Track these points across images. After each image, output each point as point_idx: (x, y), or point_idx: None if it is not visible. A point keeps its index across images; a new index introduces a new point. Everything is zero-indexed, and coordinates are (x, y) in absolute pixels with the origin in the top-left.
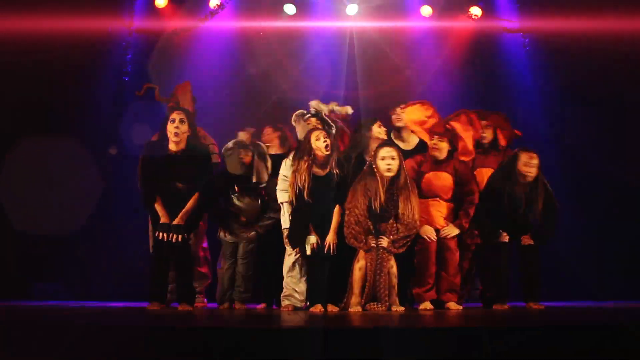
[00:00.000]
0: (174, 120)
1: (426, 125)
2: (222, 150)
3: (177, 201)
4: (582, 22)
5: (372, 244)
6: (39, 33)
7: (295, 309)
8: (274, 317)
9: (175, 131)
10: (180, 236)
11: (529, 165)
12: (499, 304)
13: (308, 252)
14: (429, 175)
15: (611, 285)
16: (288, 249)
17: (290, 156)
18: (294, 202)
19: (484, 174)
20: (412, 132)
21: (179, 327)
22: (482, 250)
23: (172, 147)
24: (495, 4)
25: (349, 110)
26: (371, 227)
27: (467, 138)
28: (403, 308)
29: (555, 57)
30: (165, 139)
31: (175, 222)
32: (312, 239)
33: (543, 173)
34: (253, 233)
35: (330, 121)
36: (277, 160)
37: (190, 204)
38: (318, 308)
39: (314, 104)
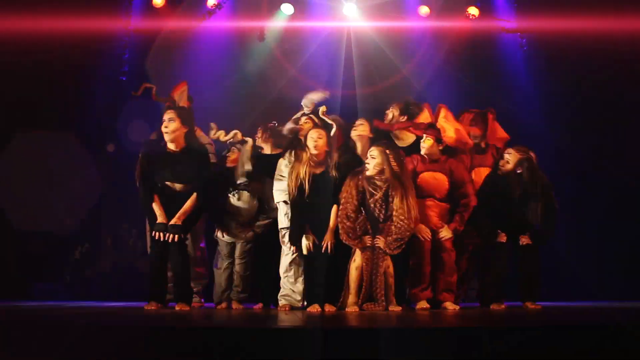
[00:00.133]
0: (164, 120)
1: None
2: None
3: (175, 201)
4: (579, 22)
5: (368, 244)
6: (37, 32)
7: (293, 308)
8: (271, 317)
9: (165, 130)
10: (176, 236)
11: (504, 159)
12: (496, 303)
13: (304, 251)
14: (424, 175)
15: (609, 285)
16: (285, 248)
17: (286, 156)
18: (290, 199)
19: (482, 174)
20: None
21: (176, 327)
22: (480, 250)
23: (170, 146)
24: (492, 4)
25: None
26: (368, 226)
27: (450, 129)
28: (400, 308)
29: (552, 57)
30: (162, 138)
31: (172, 222)
32: (308, 238)
33: (541, 171)
34: (250, 233)
35: (328, 120)
36: (272, 160)
37: (188, 204)
38: (315, 308)
39: (306, 101)
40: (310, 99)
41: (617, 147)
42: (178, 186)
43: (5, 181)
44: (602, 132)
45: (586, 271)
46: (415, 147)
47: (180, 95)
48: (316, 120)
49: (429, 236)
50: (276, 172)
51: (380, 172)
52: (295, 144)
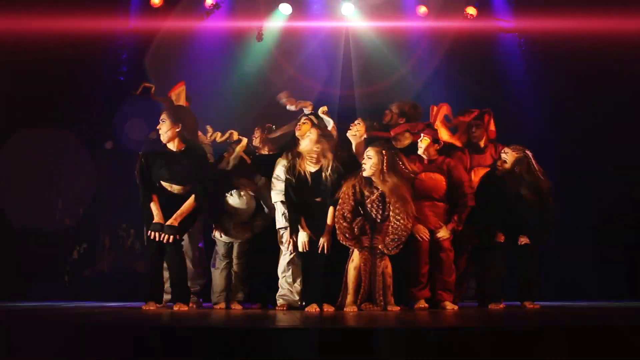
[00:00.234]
0: (158, 122)
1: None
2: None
3: (173, 202)
4: (577, 22)
5: (366, 244)
6: (36, 32)
7: (291, 308)
8: (269, 317)
9: (159, 132)
10: (171, 237)
11: (501, 158)
12: (495, 303)
13: (300, 248)
14: (422, 176)
15: (607, 285)
16: (283, 248)
17: (284, 156)
18: (286, 194)
19: (481, 173)
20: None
21: (174, 327)
22: (478, 250)
23: (169, 146)
24: (491, 4)
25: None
26: (366, 227)
27: (440, 127)
28: (398, 308)
29: (550, 57)
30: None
31: (168, 222)
32: (304, 235)
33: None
34: (248, 233)
35: (328, 119)
36: (269, 161)
37: (185, 206)
38: (313, 308)
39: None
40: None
41: (616, 147)
42: (176, 188)
43: (3, 180)
44: (600, 132)
45: (584, 271)
46: (412, 147)
47: (178, 95)
48: (315, 120)
49: (427, 236)
50: (274, 173)
51: (377, 172)
52: (293, 144)
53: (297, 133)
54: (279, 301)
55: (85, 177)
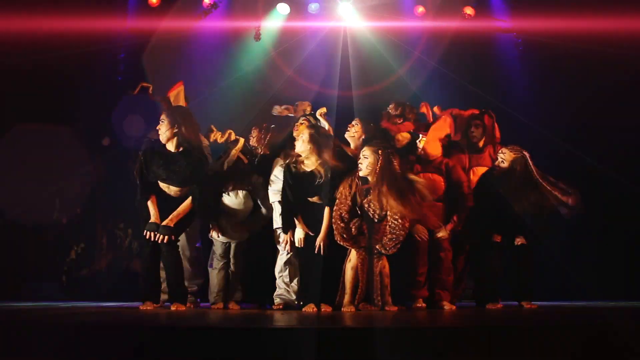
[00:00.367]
0: (155, 121)
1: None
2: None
3: (170, 202)
4: (575, 23)
5: (363, 244)
6: (34, 31)
7: (288, 308)
8: (267, 317)
9: (158, 132)
10: (166, 238)
11: (499, 159)
12: (492, 303)
13: (296, 243)
14: (421, 176)
15: (605, 285)
16: (280, 248)
17: (282, 156)
18: (283, 194)
19: (479, 173)
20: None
21: (171, 327)
22: (476, 250)
23: (169, 146)
24: (489, 4)
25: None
26: (364, 227)
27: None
28: (396, 308)
29: (548, 57)
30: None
31: (164, 223)
32: (300, 232)
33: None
34: (245, 233)
35: (325, 123)
36: (266, 160)
37: (182, 207)
38: (311, 308)
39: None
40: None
41: (614, 147)
42: (173, 189)
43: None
44: (598, 131)
45: (582, 271)
46: (410, 147)
47: (177, 96)
48: (312, 121)
49: (426, 236)
50: (272, 173)
51: (373, 171)
52: (290, 144)
53: (295, 133)
54: (276, 301)
55: (83, 177)
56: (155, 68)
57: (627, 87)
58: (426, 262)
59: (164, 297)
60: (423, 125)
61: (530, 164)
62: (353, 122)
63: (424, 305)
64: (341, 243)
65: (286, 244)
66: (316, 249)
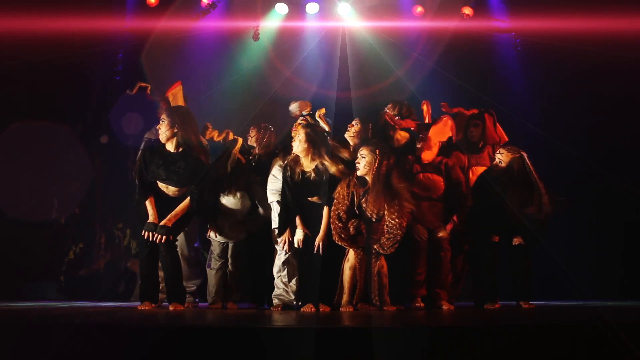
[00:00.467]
0: (153, 120)
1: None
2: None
3: (169, 202)
4: (573, 23)
5: (361, 244)
6: (32, 31)
7: (286, 308)
8: (265, 317)
9: (158, 132)
10: (164, 237)
11: (496, 159)
12: (490, 303)
13: (295, 244)
14: (420, 176)
15: (602, 285)
16: (278, 248)
17: (280, 156)
18: (282, 194)
19: (479, 173)
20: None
21: (170, 327)
22: (474, 250)
23: (168, 146)
24: (487, 5)
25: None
26: (362, 226)
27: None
28: (395, 307)
29: (546, 57)
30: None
31: (162, 223)
32: (300, 233)
33: (534, 172)
34: (243, 233)
35: (323, 123)
36: (264, 160)
37: (180, 207)
38: (309, 307)
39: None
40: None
41: (611, 148)
42: (172, 189)
43: None
44: (596, 132)
45: (580, 271)
46: (409, 147)
47: (175, 95)
48: (310, 121)
49: (426, 236)
50: (270, 173)
51: (371, 171)
52: (288, 143)
53: (293, 133)
54: (275, 301)
55: (81, 177)
56: (154, 68)
57: (626, 88)
58: (425, 261)
59: (162, 297)
60: (423, 126)
61: (528, 164)
62: (353, 122)
63: (422, 304)
64: (339, 243)
65: (284, 243)
66: (315, 249)
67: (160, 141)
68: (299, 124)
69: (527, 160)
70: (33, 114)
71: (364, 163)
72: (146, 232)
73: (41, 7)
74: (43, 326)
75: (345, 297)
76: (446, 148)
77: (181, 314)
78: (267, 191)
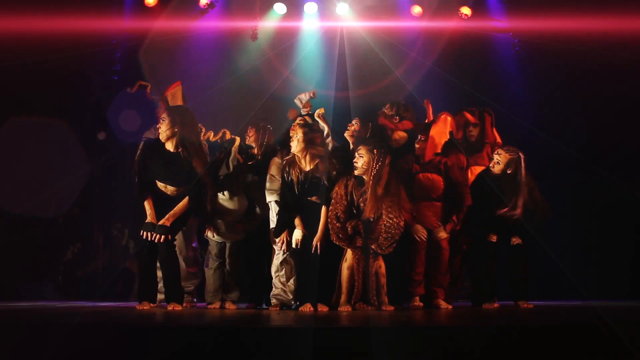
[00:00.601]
0: (151, 118)
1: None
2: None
3: (167, 201)
4: (571, 23)
5: (359, 244)
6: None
7: (284, 308)
8: (263, 317)
9: (158, 130)
10: (162, 237)
11: (494, 159)
12: (488, 303)
13: (293, 244)
14: (419, 176)
15: (600, 284)
16: (276, 248)
17: (279, 155)
18: (280, 196)
19: (478, 173)
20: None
21: (168, 327)
22: (472, 250)
23: (168, 146)
24: (485, 5)
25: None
26: (360, 226)
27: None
28: (393, 307)
29: (544, 58)
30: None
31: (160, 222)
32: (299, 233)
33: (532, 172)
34: (240, 233)
35: (322, 123)
36: (262, 160)
37: (178, 207)
38: (307, 307)
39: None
40: (300, 99)
41: (609, 148)
42: (170, 189)
43: None
44: (594, 132)
45: (578, 271)
46: (408, 147)
47: (174, 95)
48: (308, 120)
49: (425, 236)
50: (268, 172)
51: (368, 171)
52: (287, 143)
53: (291, 133)
54: (273, 301)
55: (79, 177)
56: (152, 68)
57: (625, 88)
58: (424, 261)
59: (160, 297)
60: (422, 125)
61: (522, 166)
62: (353, 122)
63: (420, 304)
64: (337, 243)
65: (282, 243)
66: (313, 249)
67: (159, 140)
68: (298, 123)
69: (523, 162)
70: (31, 114)
71: (361, 163)
72: (144, 232)
73: (39, 7)
74: (41, 326)
75: (343, 297)
76: (445, 147)
77: (179, 314)
78: (265, 191)
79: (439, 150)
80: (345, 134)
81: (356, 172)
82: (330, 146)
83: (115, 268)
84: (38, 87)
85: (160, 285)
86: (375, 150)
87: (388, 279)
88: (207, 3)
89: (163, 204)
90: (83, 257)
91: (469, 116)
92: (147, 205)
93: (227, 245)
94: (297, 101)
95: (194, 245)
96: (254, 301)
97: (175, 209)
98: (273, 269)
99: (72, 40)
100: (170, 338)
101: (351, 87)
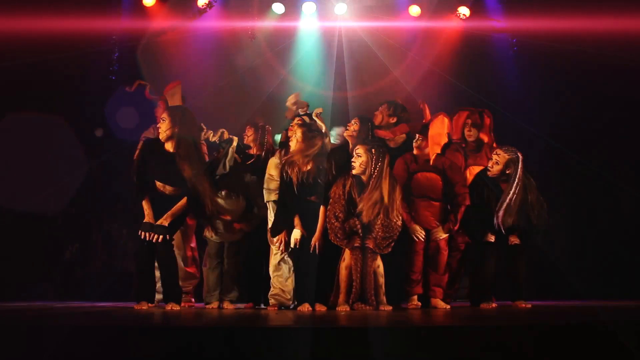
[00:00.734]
0: (150, 117)
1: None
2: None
3: (166, 201)
4: (569, 23)
5: (357, 244)
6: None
7: (283, 308)
8: (261, 317)
9: (158, 130)
10: (160, 237)
11: (493, 159)
12: (486, 303)
13: (292, 244)
14: (418, 176)
15: (599, 284)
16: (274, 248)
17: (277, 155)
18: (279, 196)
19: (476, 172)
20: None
21: (166, 327)
22: (470, 250)
23: (167, 146)
24: (483, 5)
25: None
26: (358, 226)
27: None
28: (391, 307)
29: (542, 58)
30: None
31: (158, 222)
32: (297, 233)
33: (530, 172)
34: (239, 232)
35: (320, 122)
36: (260, 159)
37: (177, 207)
38: (305, 307)
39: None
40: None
41: (607, 148)
42: (168, 189)
43: None
44: (592, 132)
45: (577, 270)
46: (406, 147)
47: (173, 94)
48: (306, 120)
49: (423, 236)
50: (266, 172)
51: (366, 170)
52: (285, 143)
53: (290, 133)
54: (271, 301)
55: (77, 177)
56: (150, 68)
57: (623, 88)
58: (422, 261)
59: (158, 296)
60: (419, 126)
61: (520, 167)
62: (352, 121)
63: (418, 303)
64: (335, 242)
65: (280, 243)
66: (311, 249)
67: (159, 140)
68: (296, 123)
69: (521, 163)
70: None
71: (359, 162)
72: (142, 232)
73: (37, 6)
74: (39, 327)
75: (341, 297)
76: (444, 147)
77: (177, 314)
78: (264, 190)
79: (439, 151)
80: (345, 134)
81: (354, 172)
82: (328, 146)
83: (113, 268)
84: (36, 87)
85: (159, 285)
86: (373, 150)
87: (386, 278)
88: (205, 3)
89: (161, 203)
90: (81, 257)
91: (467, 116)
92: (146, 205)
93: (226, 245)
94: (289, 105)
95: (192, 245)
96: (252, 301)
97: (173, 208)
98: (271, 268)
99: (70, 41)
100: (168, 338)
101: (349, 88)
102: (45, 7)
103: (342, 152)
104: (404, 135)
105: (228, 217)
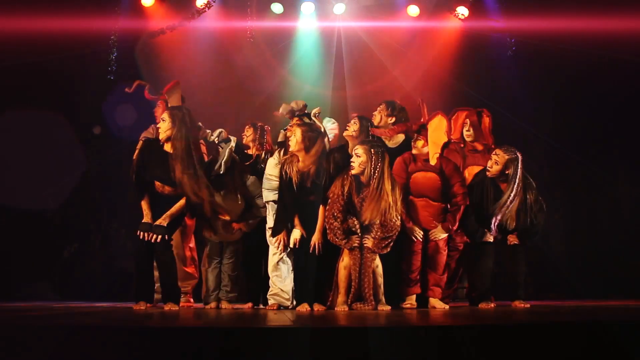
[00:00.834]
0: (149, 117)
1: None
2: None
3: (164, 201)
4: (568, 23)
5: (356, 244)
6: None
7: (281, 308)
8: (260, 317)
9: (159, 130)
10: (159, 237)
11: (492, 159)
12: (485, 302)
13: (291, 244)
14: (417, 176)
15: (597, 284)
16: (273, 248)
17: (276, 155)
18: (279, 194)
19: (475, 172)
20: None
21: (165, 327)
22: (468, 250)
23: (166, 146)
24: (482, 5)
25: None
26: (357, 226)
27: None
28: (389, 307)
29: (541, 58)
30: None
31: (157, 222)
32: (297, 233)
33: (529, 172)
34: (238, 232)
35: (318, 122)
36: (259, 159)
37: (175, 207)
38: (304, 307)
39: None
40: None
41: (606, 148)
42: (167, 189)
43: None
44: (591, 132)
45: (576, 270)
46: (404, 147)
47: (172, 94)
48: (305, 120)
49: (421, 236)
50: (265, 172)
51: (365, 170)
52: (285, 143)
53: (289, 133)
54: (270, 301)
55: (76, 177)
56: (149, 68)
57: (622, 88)
58: (421, 261)
59: (157, 297)
60: (417, 126)
61: (519, 167)
62: (352, 121)
63: (414, 304)
64: (334, 242)
65: (279, 243)
66: (311, 249)
67: (158, 140)
68: (296, 123)
69: (520, 163)
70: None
71: (358, 162)
72: (141, 232)
73: (35, 7)
74: (38, 327)
75: (340, 297)
76: (443, 147)
77: (176, 314)
78: (263, 190)
79: (438, 151)
80: (344, 133)
81: (353, 172)
82: (327, 146)
83: (112, 268)
84: (34, 87)
85: (157, 285)
86: (372, 150)
87: (385, 278)
88: (204, 3)
89: (160, 203)
90: (80, 257)
91: (466, 116)
92: (145, 205)
93: (224, 245)
94: (282, 111)
95: (191, 245)
96: (251, 301)
97: (172, 209)
98: (270, 268)
99: (69, 41)
100: (167, 338)
101: (348, 87)
102: (44, 7)
103: (342, 152)
104: (402, 135)
105: (227, 217)
